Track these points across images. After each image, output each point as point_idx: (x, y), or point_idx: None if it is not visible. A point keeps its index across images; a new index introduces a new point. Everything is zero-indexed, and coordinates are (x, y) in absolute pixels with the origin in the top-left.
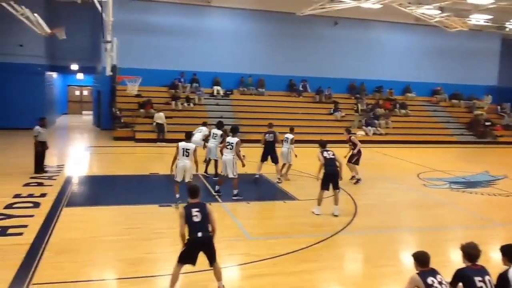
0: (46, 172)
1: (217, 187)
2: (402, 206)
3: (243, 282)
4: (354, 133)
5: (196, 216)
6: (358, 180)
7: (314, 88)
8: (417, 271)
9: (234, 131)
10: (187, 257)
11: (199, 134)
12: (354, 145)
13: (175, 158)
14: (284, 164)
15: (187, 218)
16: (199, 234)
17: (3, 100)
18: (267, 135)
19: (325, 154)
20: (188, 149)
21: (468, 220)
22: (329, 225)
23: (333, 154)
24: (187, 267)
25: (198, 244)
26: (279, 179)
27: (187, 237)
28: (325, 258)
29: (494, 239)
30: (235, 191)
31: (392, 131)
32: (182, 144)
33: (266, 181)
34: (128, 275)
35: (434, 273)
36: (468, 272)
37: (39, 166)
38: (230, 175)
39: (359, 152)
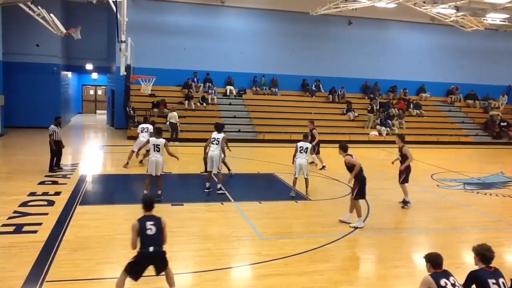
0: (61, 169)
1: (207, 184)
2: (415, 207)
3: (255, 281)
4: (404, 143)
5: (150, 229)
6: (406, 203)
7: (327, 88)
8: (430, 273)
9: (220, 127)
10: (134, 269)
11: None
12: (404, 157)
13: (147, 152)
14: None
15: (141, 230)
16: (151, 249)
17: (19, 99)
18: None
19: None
20: (159, 145)
21: (482, 222)
22: (341, 225)
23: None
24: (194, 268)
25: (148, 259)
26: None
27: (138, 249)
28: (337, 259)
29: (508, 241)
30: (219, 185)
31: (406, 131)
32: (152, 140)
33: (278, 181)
34: None
35: (447, 274)
36: (482, 274)
37: (54, 164)
38: (215, 171)
39: (407, 168)
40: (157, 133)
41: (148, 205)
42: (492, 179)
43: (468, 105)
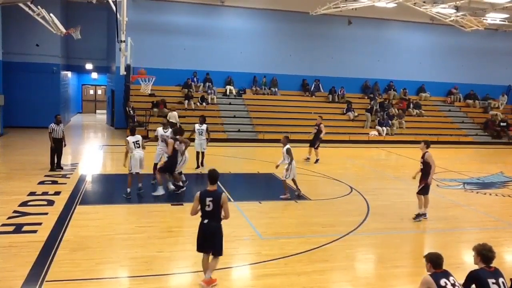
0: (62, 169)
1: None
2: (415, 207)
3: (254, 281)
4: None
5: (208, 206)
6: (422, 215)
7: (327, 88)
8: (430, 273)
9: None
10: (199, 244)
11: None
12: (426, 164)
13: (127, 153)
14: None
15: (201, 203)
16: (205, 221)
17: (19, 99)
18: None
19: None
20: (138, 141)
21: (482, 222)
22: (341, 225)
23: None
24: (195, 267)
25: (203, 231)
26: None
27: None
28: (337, 259)
29: (508, 241)
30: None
31: (406, 131)
32: (129, 139)
33: (278, 181)
34: (140, 273)
35: (447, 274)
36: (482, 274)
37: (54, 163)
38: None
39: (426, 177)
40: (132, 132)
41: (211, 179)
42: (492, 179)
43: (468, 105)
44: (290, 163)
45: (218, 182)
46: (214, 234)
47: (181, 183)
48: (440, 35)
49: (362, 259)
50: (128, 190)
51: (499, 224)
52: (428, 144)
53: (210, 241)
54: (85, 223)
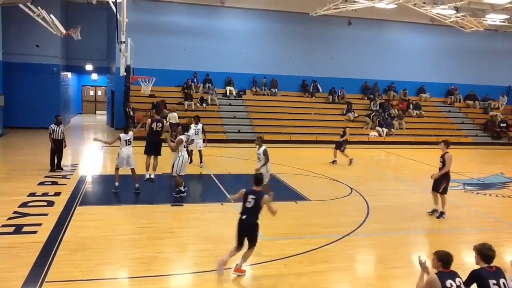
0: (62, 169)
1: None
2: (415, 208)
3: (254, 282)
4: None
5: (249, 202)
6: (436, 211)
7: (327, 89)
8: (437, 271)
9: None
10: (237, 237)
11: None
12: (444, 165)
13: (109, 143)
14: None
15: (243, 200)
16: (244, 217)
17: (19, 99)
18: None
19: None
20: (130, 139)
21: (482, 222)
22: (341, 226)
23: None
24: (194, 268)
25: (241, 226)
26: None
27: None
28: (337, 259)
29: (508, 241)
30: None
31: (406, 132)
32: (122, 136)
33: (277, 182)
34: (140, 274)
35: (454, 275)
36: (483, 274)
37: (54, 164)
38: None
39: (447, 177)
40: (125, 130)
41: (257, 181)
42: (492, 179)
43: (468, 105)
44: (265, 165)
45: (217, 181)
46: (251, 229)
47: (182, 188)
48: (440, 36)
49: (362, 259)
50: (116, 184)
51: (499, 225)
52: (448, 144)
53: (247, 235)
54: (85, 224)
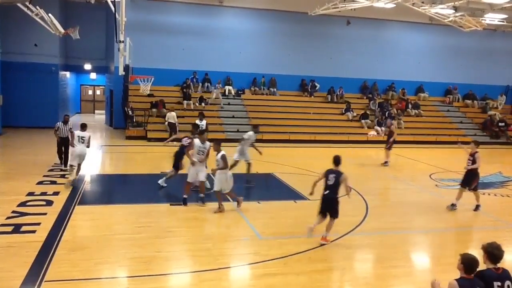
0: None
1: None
2: (414, 207)
3: (253, 281)
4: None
5: (330, 180)
6: (477, 207)
7: (326, 88)
8: (459, 277)
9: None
10: (320, 209)
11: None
12: (474, 163)
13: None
14: None
15: (325, 178)
16: (326, 193)
17: (18, 99)
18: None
19: None
20: (84, 137)
21: (480, 221)
22: (340, 225)
23: None
24: (193, 267)
25: (323, 200)
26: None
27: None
28: (336, 259)
29: (507, 240)
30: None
31: (404, 131)
32: (77, 133)
33: (277, 181)
34: (139, 273)
35: (474, 284)
36: (488, 275)
37: (62, 157)
38: None
39: (477, 176)
40: (82, 127)
41: (336, 161)
42: (490, 178)
43: (466, 105)
44: (223, 170)
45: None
46: (332, 204)
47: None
48: (438, 35)
49: (361, 259)
50: (71, 179)
51: (498, 224)
52: (478, 144)
53: (328, 207)
54: (84, 223)
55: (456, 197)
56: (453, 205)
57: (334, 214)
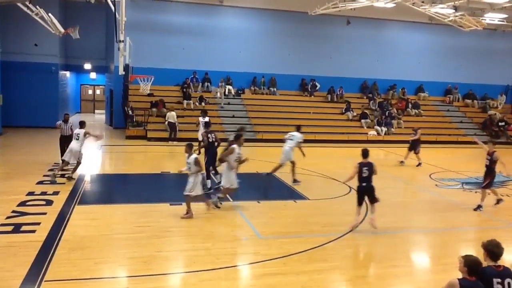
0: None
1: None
2: (414, 207)
3: (253, 281)
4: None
5: (365, 172)
6: (478, 207)
7: (326, 88)
8: (461, 277)
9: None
10: (358, 199)
11: (291, 142)
12: (493, 163)
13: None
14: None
15: (359, 171)
16: (364, 184)
17: (18, 98)
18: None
19: None
20: (78, 134)
21: (480, 221)
22: (340, 224)
23: None
24: (193, 267)
25: (362, 191)
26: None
27: (357, 184)
28: (336, 258)
29: (507, 240)
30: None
31: (404, 131)
32: (75, 130)
33: (277, 180)
34: (139, 273)
35: (477, 286)
36: (488, 272)
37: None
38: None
39: (493, 174)
40: (80, 125)
41: (364, 155)
42: None
43: (466, 104)
44: (195, 175)
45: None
46: (370, 191)
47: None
48: (438, 35)
49: (361, 258)
50: (57, 173)
51: (498, 224)
52: (495, 143)
53: (368, 195)
54: (84, 223)
55: (481, 199)
56: (479, 206)
57: (373, 199)
